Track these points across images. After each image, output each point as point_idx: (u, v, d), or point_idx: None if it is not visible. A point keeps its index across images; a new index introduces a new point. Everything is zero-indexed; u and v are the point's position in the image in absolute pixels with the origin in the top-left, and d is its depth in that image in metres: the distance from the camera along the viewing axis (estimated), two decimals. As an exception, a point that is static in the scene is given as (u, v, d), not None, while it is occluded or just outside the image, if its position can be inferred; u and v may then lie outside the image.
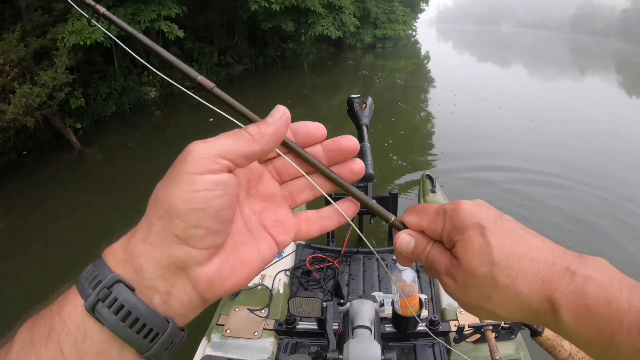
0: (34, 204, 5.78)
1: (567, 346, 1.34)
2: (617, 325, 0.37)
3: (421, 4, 38.47)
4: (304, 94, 13.26)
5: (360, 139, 2.06)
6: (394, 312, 1.69)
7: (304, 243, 2.67)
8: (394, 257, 2.56)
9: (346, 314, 1.55)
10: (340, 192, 0.49)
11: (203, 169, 0.36)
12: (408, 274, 1.56)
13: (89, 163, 7.68)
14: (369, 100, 2.31)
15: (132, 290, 0.36)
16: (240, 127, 0.42)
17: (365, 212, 2.50)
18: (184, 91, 0.49)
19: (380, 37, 25.41)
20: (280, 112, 0.43)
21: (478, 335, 1.84)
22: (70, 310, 0.35)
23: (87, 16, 0.52)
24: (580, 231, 4.95)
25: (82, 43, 7.54)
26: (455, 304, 2.12)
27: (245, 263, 0.41)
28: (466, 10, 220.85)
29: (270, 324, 1.99)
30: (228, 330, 1.95)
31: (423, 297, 1.71)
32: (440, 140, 8.38)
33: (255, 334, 1.94)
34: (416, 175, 5.92)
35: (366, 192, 2.41)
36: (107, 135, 8.80)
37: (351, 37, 21.04)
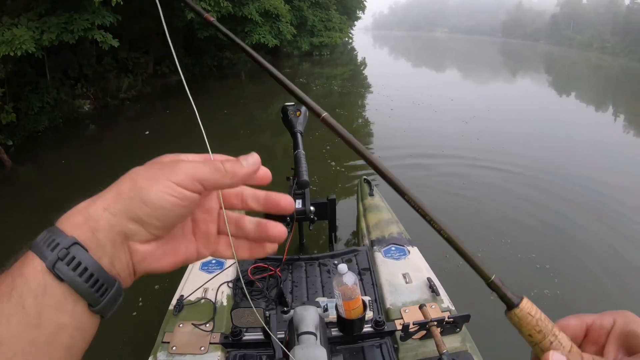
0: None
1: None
2: None
3: (357, 12, 38.88)
4: (241, 103, 13.13)
5: (295, 146, 2.09)
6: (339, 316, 1.71)
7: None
8: (335, 262, 2.59)
9: (291, 322, 1.56)
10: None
11: (183, 183, 0.44)
12: (349, 278, 1.59)
13: (23, 182, 7.29)
14: (304, 108, 2.34)
15: (86, 251, 0.41)
16: (210, 152, 0.52)
17: (304, 219, 2.53)
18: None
19: (317, 45, 25.53)
20: (254, 160, 0.51)
21: (424, 332, 1.88)
22: (30, 270, 0.39)
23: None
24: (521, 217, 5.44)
25: (12, 54, 7.23)
26: (399, 302, 2.18)
27: (173, 254, 0.49)
28: (401, 17, 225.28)
29: (216, 337, 1.96)
30: (174, 348, 1.91)
31: (367, 298, 1.74)
32: (378, 145, 8.59)
33: (202, 349, 1.91)
34: (355, 180, 6.04)
35: (303, 200, 2.43)
36: (40, 151, 8.41)
37: (288, 45, 21.08)
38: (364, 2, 37.56)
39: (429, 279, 2.32)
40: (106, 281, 0.42)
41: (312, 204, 2.52)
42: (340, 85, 16.22)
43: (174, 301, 2.20)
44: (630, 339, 0.45)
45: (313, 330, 1.47)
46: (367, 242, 2.82)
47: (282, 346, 1.51)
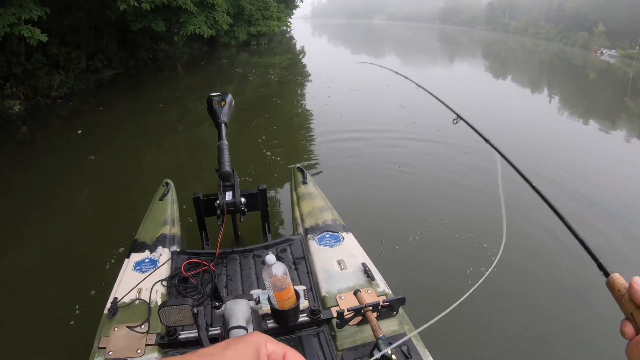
0: None
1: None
2: None
3: (296, 0, 38.78)
4: (177, 96, 12.87)
5: (219, 137, 2.03)
6: (272, 308, 1.67)
7: (178, 250, 2.58)
8: (270, 253, 2.55)
9: (224, 317, 1.53)
10: None
11: None
12: (278, 268, 1.55)
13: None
14: (229, 97, 2.28)
15: None
16: None
17: (235, 211, 2.48)
18: None
19: (255, 34, 25.31)
20: None
21: (360, 317, 1.87)
22: None
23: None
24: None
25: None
26: (335, 289, 2.16)
27: None
28: (340, 5, 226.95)
29: (152, 338, 1.90)
30: (110, 353, 1.83)
31: (301, 288, 1.71)
32: (315, 132, 8.61)
33: (138, 351, 1.84)
34: (289, 169, 6.08)
35: (233, 191, 2.38)
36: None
37: (225, 35, 20.73)
38: (303, -10, 37.55)
39: (363, 264, 2.32)
40: None
41: (242, 195, 2.48)
42: (278, 75, 16.17)
43: (108, 304, 2.11)
44: None
45: (244, 324, 1.44)
46: (301, 230, 2.80)
47: (208, 342, 1.48)
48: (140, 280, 2.27)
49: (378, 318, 1.90)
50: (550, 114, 12.54)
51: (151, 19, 13.96)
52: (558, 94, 16.90)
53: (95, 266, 3.97)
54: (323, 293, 2.19)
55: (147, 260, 2.44)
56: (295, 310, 1.68)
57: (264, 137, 7.73)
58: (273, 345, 0.56)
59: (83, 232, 4.73)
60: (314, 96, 12.03)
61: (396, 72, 3.23)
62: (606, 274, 0.68)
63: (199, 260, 2.45)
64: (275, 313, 1.67)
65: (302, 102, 12.03)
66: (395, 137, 7.78)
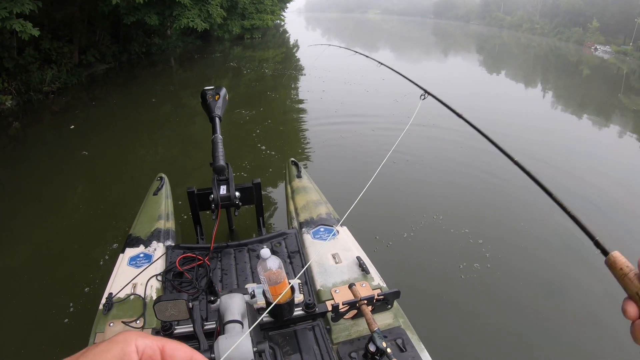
0: None
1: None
2: None
3: (290, -7, 38.67)
4: (171, 91, 12.78)
5: (213, 130, 2.02)
6: (267, 302, 1.67)
7: (173, 244, 2.58)
8: (265, 246, 2.56)
9: (219, 311, 1.52)
10: None
11: None
12: (273, 262, 1.55)
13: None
14: (223, 91, 2.27)
15: None
16: None
17: (229, 205, 2.47)
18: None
19: (249, 28, 25.22)
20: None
21: (355, 311, 1.87)
22: None
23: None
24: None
25: None
26: (330, 283, 2.16)
27: None
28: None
29: (147, 333, 1.88)
30: (106, 349, 1.82)
31: (296, 282, 1.71)
32: (310, 126, 8.58)
33: (134, 347, 1.83)
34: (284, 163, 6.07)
35: (228, 185, 2.37)
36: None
37: (219, 28, 20.59)
38: (297, -16, 37.37)
39: (358, 258, 2.32)
40: None
41: (237, 189, 2.47)
42: (272, 69, 16.12)
43: (103, 300, 2.11)
44: None
45: (239, 318, 1.44)
46: (296, 224, 2.80)
47: (203, 336, 1.48)
48: (135, 275, 2.27)
49: (373, 311, 1.91)
50: (543, 107, 12.66)
51: (144, 12, 13.82)
52: (552, 89, 16.95)
53: (89, 262, 3.96)
54: (318, 287, 2.19)
55: (141, 255, 2.44)
56: (290, 304, 1.68)
57: (258, 131, 7.70)
58: (145, 341, 0.51)
59: (76, 228, 4.71)
60: (308, 90, 11.99)
61: (356, 52, 3.24)
62: (604, 252, 0.67)
63: (194, 255, 2.45)
64: (271, 307, 1.67)
65: (297, 96, 11.96)
66: (390, 133, 7.74)
